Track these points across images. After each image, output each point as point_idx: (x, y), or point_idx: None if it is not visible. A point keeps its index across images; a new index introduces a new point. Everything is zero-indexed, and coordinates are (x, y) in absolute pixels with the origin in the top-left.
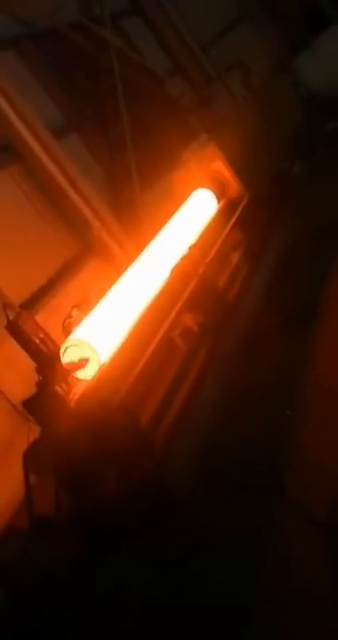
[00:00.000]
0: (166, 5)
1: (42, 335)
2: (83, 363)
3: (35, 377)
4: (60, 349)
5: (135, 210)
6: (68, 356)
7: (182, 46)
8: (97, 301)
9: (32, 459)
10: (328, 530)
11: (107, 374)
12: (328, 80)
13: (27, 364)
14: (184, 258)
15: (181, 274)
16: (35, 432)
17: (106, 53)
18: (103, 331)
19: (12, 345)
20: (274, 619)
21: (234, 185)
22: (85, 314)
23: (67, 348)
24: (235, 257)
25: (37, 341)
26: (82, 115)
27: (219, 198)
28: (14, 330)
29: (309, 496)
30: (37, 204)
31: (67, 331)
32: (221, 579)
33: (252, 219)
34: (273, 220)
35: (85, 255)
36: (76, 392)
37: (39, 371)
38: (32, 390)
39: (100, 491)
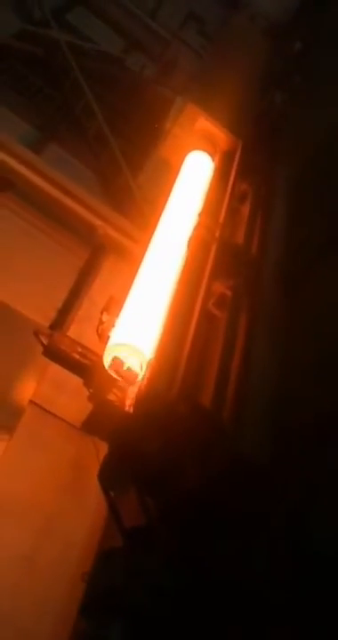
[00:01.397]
0: None
1: (80, 349)
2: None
3: (86, 392)
4: (101, 358)
5: (132, 196)
6: (113, 363)
7: (130, 20)
8: (124, 299)
9: (106, 476)
10: None
11: (156, 368)
12: (283, 3)
13: (75, 381)
14: (197, 227)
15: (199, 243)
16: (103, 447)
17: (59, 52)
18: (139, 326)
19: (55, 368)
20: None
21: (223, 137)
22: (116, 315)
23: (109, 355)
24: (245, 209)
25: (77, 357)
26: (54, 122)
27: (213, 156)
28: (52, 353)
29: None
30: (38, 223)
31: (102, 337)
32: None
33: (251, 164)
34: (273, 158)
35: (98, 256)
36: (131, 394)
37: (87, 384)
38: (87, 406)
39: (182, 483)
